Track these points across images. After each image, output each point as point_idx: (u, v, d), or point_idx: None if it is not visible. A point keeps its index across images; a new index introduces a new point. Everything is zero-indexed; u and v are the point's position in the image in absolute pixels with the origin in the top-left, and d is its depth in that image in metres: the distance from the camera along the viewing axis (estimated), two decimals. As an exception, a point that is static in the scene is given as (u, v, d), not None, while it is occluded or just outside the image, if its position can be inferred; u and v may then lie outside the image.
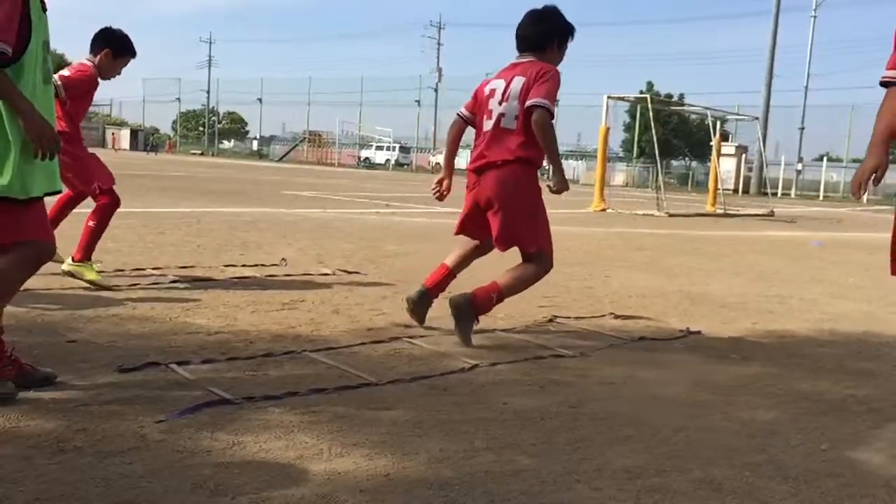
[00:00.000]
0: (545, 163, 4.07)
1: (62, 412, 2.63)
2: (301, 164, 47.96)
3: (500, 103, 3.93)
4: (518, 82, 3.89)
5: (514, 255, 4.09)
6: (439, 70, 61.57)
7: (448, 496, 2.17)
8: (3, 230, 2.66)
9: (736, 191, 34.75)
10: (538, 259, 4.00)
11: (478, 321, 3.97)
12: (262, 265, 6.08)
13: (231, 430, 2.56)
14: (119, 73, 4.87)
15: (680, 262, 7.97)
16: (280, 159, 56.17)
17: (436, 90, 58.26)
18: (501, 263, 4.19)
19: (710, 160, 24.26)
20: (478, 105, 4.09)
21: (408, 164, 53.45)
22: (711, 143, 20.91)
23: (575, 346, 4.00)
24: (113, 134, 61.15)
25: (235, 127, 74.67)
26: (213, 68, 73.60)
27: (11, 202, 2.63)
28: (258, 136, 68.85)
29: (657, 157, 19.74)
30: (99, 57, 4.72)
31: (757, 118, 29.25)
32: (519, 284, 4.01)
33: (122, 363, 3.19)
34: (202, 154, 59.72)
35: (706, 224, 14.79)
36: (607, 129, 18.13)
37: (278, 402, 2.86)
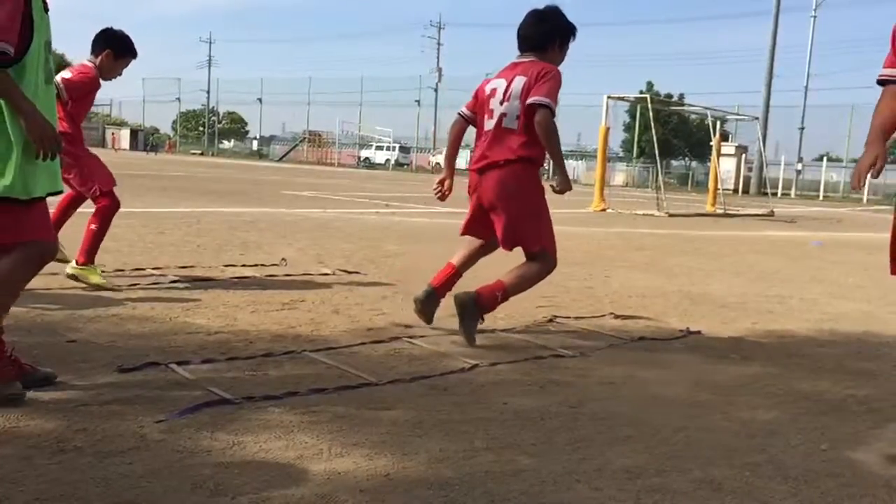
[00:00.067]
0: (546, 163, 4.07)
1: (62, 412, 2.63)
2: (301, 164, 47.96)
3: (501, 103, 3.93)
4: (519, 82, 3.89)
5: (519, 254, 4.09)
6: (439, 70, 61.60)
7: (448, 496, 2.17)
8: (5, 230, 2.66)
9: (736, 191, 34.75)
10: (542, 258, 4.01)
11: (482, 320, 3.97)
12: (262, 265, 6.08)
13: (231, 430, 2.56)
14: (120, 74, 4.88)
15: (680, 262, 7.97)
16: (280, 159, 56.17)
17: (436, 90, 58.31)
18: (506, 262, 4.19)
19: (710, 160, 24.26)
20: (479, 105, 4.09)
21: (408, 164, 53.45)
22: (711, 143, 20.92)
23: (575, 346, 4.00)
24: (113, 134, 61.14)
25: (235, 127, 74.68)
26: (213, 68, 73.74)
27: (13, 202, 2.63)
28: (258, 136, 68.86)
29: (657, 157, 19.76)
30: (100, 58, 4.72)
31: (757, 118, 29.24)
32: (523, 283, 4.02)
33: (122, 363, 3.19)
34: (202, 154, 59.71)
35: (706, 224, 14.80)
36: (607, 129, 18.14)
37: (278, 402, 2.86)
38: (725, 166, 31.44)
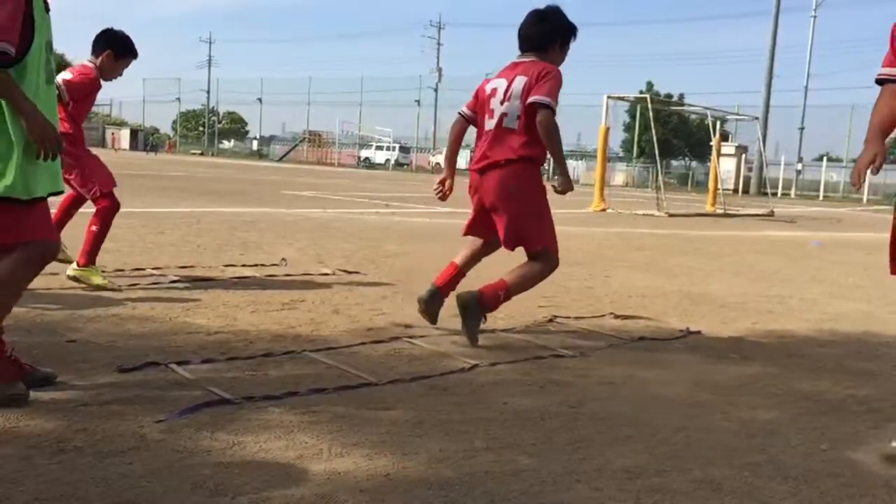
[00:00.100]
0: (546, 163, 4.07)
1: (62, 412, 2.63)
2: (301, 164, 47.96)
3: (501, 103, 3.93)
4: (520, 82, 3.89)
5: (521, 253, 4.09)
6: (439, 70, 61.59)
7: (448, 496, 2.17)
8: (7, 230, 2.67)
9: (736, 191, 34.74)
10: (544, 257, 4.01)
11: (485, 319, 3.97)
12: (262, 265, 6.08)
13: (231, 430, 2.56)
14: (121, 75, 4.88)
15: (680, 262, 7.97)
16: (280, 159, 56.17)
17: (436, 90, 58.30)
18: (509, 261, 4.19)
19: (710, 160, 24.27)
20: (479, 104, 4.09)
21: (407, 164, 53.45)
22: (711, 143, 20.92)
23: (575, 346, 4.00)
24: (113, 134, 61.13)
25: (235, 127, 74.66)
26: (213, 68, 73.66)
27: (15, 202, 2.63)
28: (258, 136, 68.85)
29: (657, 157, 19.76)
30: (101, 58, 4.72)
31: (757, 118, 29.24)
32: (526, 282, 4.02)
33: (122, 363, 3.19)
34: (202, 154, 59.71)
35: (706, 224, 14.80)
36: (607, 129, 18.14)
37: (278, 402, 2.86)
38: (725, 166, 31.44)
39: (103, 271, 4.96)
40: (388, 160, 53.10)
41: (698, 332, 4.52)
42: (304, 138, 60.16)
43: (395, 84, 64.92)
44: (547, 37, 4.00)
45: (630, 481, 2.35)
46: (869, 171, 2.77)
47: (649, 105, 19.47)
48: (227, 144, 69.04)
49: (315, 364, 3.42)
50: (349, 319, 4.36)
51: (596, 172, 18.50)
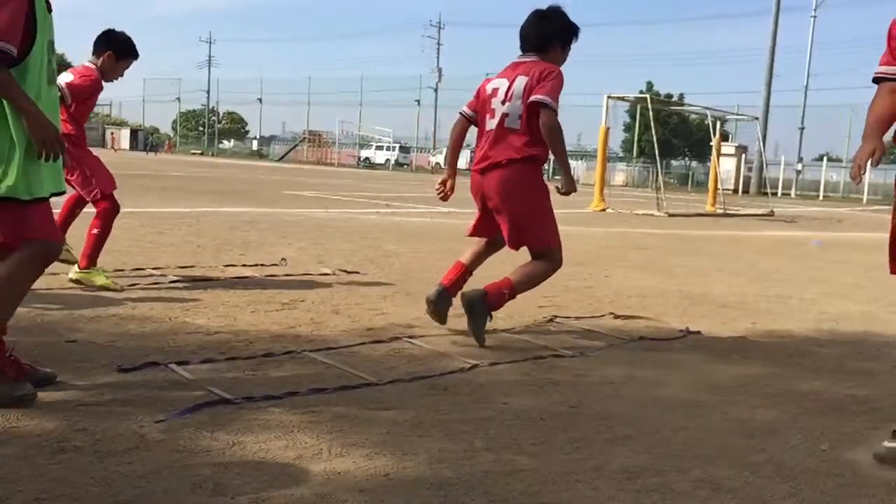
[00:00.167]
0: (547, 163, 4.08)
1: (62, 412, 2.63)
2: (301, 164, 47.97)
3: (503, 103, 3.93)
4: (521, 82, 3.89)
5: (526, 252, 4.09)
6: (439, 70, 61.54)
7: (448, 496, 2.17)
8: (9, 230, 2.67)
9: (736, 191, 34.74)
10: (548, 256, 4.01)
11: (490, 318, 3.97)
12: (262, 265, 6.08)
13: (231, 430, 2.56)
14: (122, 75, 4.88)
15: (680, 262, 7.97)
16: (280, 159, 56.18)
17: (436, 90, 58.33)
18: (516, 260, 4.19)
19: (709, 160, 24.27)
20: (480, 104, 4.09)
21: (407, 164, 53.46)
22: (711, 143, 20.92)
23: (575, 346, 4.00)
24: (112, 134, 61.13)
25: (235, 127, 74.66)
26: (213, 68, 73.73)
27: (16, 202, 2.64)
28: (258, 136, 68.91)
29: (657, 157, 19.77)
30: (102, 59, 4.73)
31: (757, 118, 29.27)
32: (530, 281, 4.02)
33: (122, 363, 3.20)
34: (202, 154, 59.74)
35: (706, 224, 14.80)
36: (607, 129, 18.16)
37: (278, 402, 2.86)
38: (725, 166, 31.43)
39: (104, 272, 4.96)
40: (388, 160, 53.10)
41: (698, 332, 4.52)
42: (304, 138, 60.18)
43: (395, 84, 65.02)
44: (548, 37, 3.99)
45: (629, 481, 2.35)
46: (869, 166, 2.77)
47: (649, 105, 19.48)
48: (227, 144, 69.05)
49: (315, 364, 3.42)
50: (349, 319, 4.36)
51: (596, 172, 18.51)
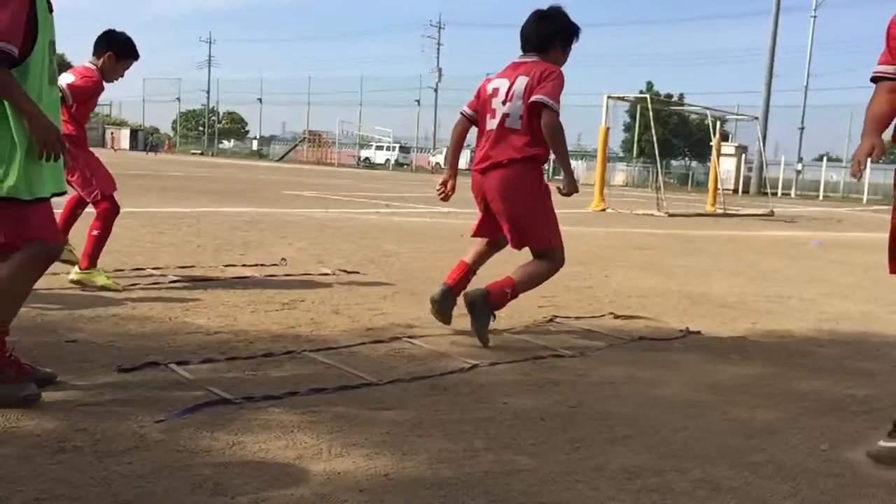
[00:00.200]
0: (548, 163, 4.07)
1: (62, 412, 2.63)
2: (301, 164, 47.96)
3: (503, 103, 3.92)
4: (522, 82, 3.88)
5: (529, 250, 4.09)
6: (439, 70, 61.54)
7: (447, 496, 2.17)
8: (10, 230, 2.68)
9: (736, 191, 34.74)
10: (550, 256, 4.01)
11: (494, 317, 3.97)
12: (262, 265, 6.08)
13: (231, 430, 2.56)
14: (122, 76, 4.88)
15: (680, 262, 7.97)
16: (280, 159, 56.18)
17: (436, 90, 58.35)
18: (516, 260, 4.19)
19: (709, 160, 24.27)
20: (480, 104, 4.08)
21: (407, 164, 53.46)
22: (711, 143, 20.92)
23: (575, 346, 4.00)
24: (112, 134, 61.12)
25: (235, 127, 74.66)
26: (213, 68, 73.74)
27: (17, 203, 2.64)
28: (258, 136, 68.90)
29: (657, 157, 19.77)
30: (102, 60, 4.73)
31: (757, 118, 29.26)
32: (533, 280, 4.02)
33: (122, 363, 3.20)
34: (202, 154, 59.74)
35: (706, 224, 14.80)
36: (607, 129, 18.16)
37: (278, 402, 2.86)
38: (725, 166, 31.44)
39: (104, 272, 4.96)
40: (388, 160, 53.10)
41: (698, 332, 4.52)
42: (304, 138, 60.18)
43: (395, 84, 65.07)
44: (549, 37, 3.99)
45: (629, 481, 2.35)
46: (869, 163, 2.77)
47: (649, 105, 19.49)
48: (226, 144, 69.06)
49: (315, 364, 3.42)
50: (349, 319, 4.36)
51: (596, 172, 18.51)
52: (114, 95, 71.56)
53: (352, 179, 28.12)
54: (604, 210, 16.59)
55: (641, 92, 35.62)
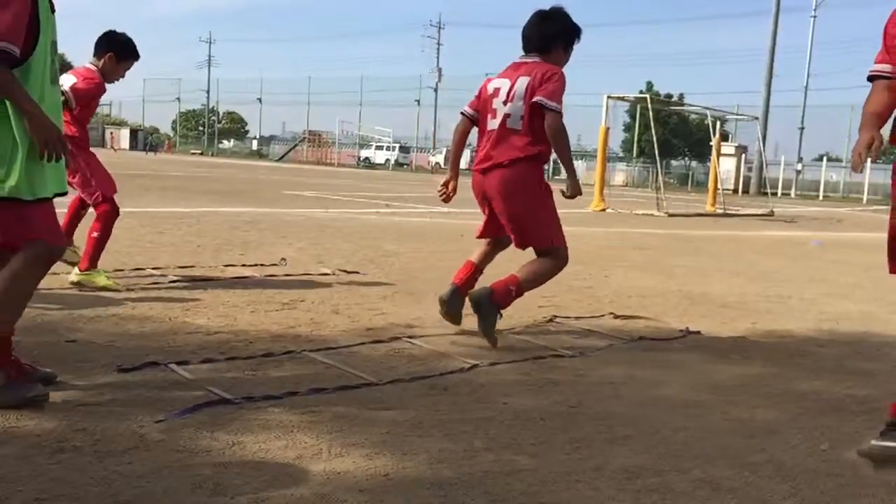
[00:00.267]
0: (548, 163, 4.07)
1: (62, 412, 2.63)
2: (301, 164, 47.96)
3: (504, 103, 3.92)
4: (523, 82, 3.88)
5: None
6: (439, 70, 61.55)
7: (447, 496, 2.17)
8: (12, 231, 2.68)
9: (736, 191, 34.75)
10: (554, 254, 4.01)
11: (500, 316, 3.97)
12: (262, 265, 6.08)
13: (231, 430, 2.56)
14: (123, 77, 4.89)
15: (680, 262, 7.97)
16: (280, 159, 56.19)
17: (436, 90, 58.37)
18: (520, 259, 4.19)
19: (709, 160, 24.27)
20: (481, 104, 4.08)
21: (407, 164, 53.47)
22: (711, 143, 20.92)
23: (575, 346, 4.00)
24: (112, 133, 61.13)
25: (235, 127, 74.66)
26: (213, 68, 73.74)
27: (19, 203, 2.64)
28: (258, 136, 68.91)
29: (657, 157, 19.77)
30: (103, 60, 4.73)
31: (757, 118, 29.27)
32: (537, 278, 4.02)
33: (122, 363, 3.20)
34: (202, 154, 59.75)
35: (706, 224, 14.80)
36: (607, 129, 18.16)
37: (278, 402, 2.86)
38: (725, 166, 31.44)
39: (105, 273, 4.96)
40: (387, 160, 53.11)
41: (698, 332, 4.52)
42: (304, 138, 60.20)
43: (394, 84, 64.95)
44: (550, 38, 3.98)
45: (629, 481, 2.35)
46: (869, 162, 2.77)
47: (649, 105, 19.49)
48: (226, 144, 69.07)
49: (315, 364, 3.42)
50: (349, 319, 4.36)
51: (596, 172, 18.51)
52: (114, 95, 71.69)
53: (352, 179, 28.12)
54: (604, 210, 16.59)
55: (641, 92, 35.64)
